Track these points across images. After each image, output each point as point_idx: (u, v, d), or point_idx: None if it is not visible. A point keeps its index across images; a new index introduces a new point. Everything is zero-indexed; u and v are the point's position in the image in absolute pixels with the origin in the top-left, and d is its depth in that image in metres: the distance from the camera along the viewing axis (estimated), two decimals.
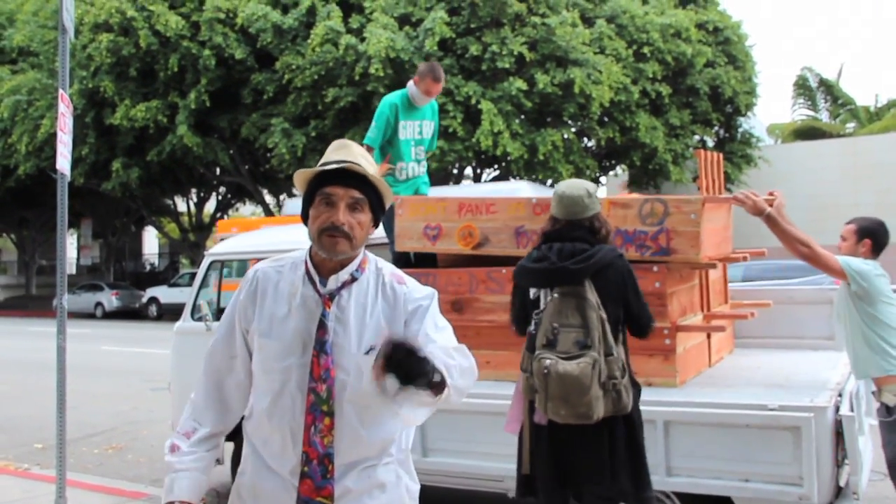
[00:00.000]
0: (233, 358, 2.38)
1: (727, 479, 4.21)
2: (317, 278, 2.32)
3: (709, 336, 5.35)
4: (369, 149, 6.06)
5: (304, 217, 2.33)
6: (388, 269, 2.42)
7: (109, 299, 31.72)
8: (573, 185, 3.80)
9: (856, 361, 4.63)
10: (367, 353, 2.25)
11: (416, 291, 2.39)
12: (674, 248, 4.66)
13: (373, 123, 6.08)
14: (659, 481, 4.37)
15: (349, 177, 2.26)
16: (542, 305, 3.64)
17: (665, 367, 4.66)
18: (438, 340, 2.25)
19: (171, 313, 26.32)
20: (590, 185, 3.80)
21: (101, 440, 8.61)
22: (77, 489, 6.05)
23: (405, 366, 1.96)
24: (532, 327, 3.66)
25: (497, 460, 4.85)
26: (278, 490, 2.27)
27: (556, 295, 3.58)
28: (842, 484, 4.22)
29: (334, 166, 2.25)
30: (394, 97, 6.09)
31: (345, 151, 2.32)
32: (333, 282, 2.31)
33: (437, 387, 2.06)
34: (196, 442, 2.35)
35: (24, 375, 13.38)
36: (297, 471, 2.25)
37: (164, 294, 30.07)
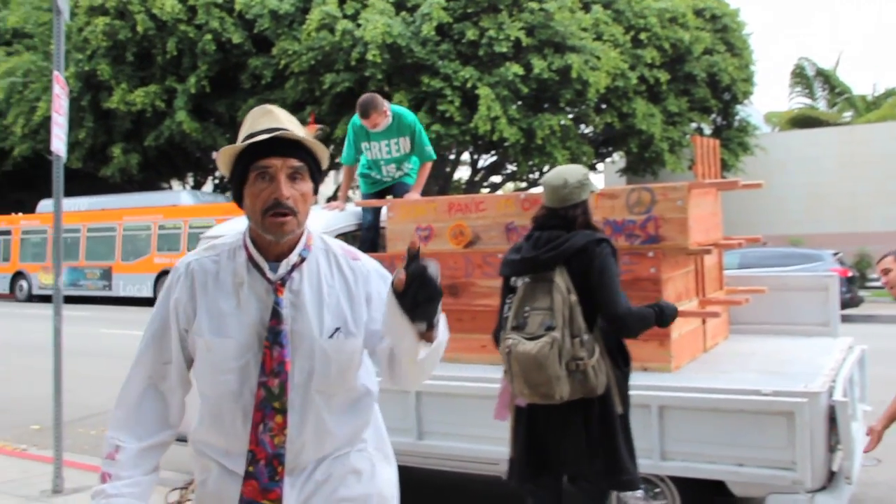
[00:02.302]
0: (166, 364, 2.15)
1: (721, 463, 4.23)
2: (263, 264, 2.10)
3: (704, 322, 5.37)
4: (348, 168, 6.48)
5: (238, 199, 2.10)
6: (336, 244, 2.24)
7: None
8: (557, 174, 3.79)
9: None
10: (332, 336, 2.09)
11: (375, 268, 2.23)
12: (662, 235, 4.70)
13: (348, 145, 6.27)
14: (653, 465, 4.41)
15: (283, 145, 2.02)
16: (517, 291, 3.69)
17: (660, 352, 4.68)
18: None
19: None
20: (574, 175, 3.75)
21: (97, 422, 8.62)
22: (74, 469, 6.06)
23: (424, 285, 1.83)
24: (506, 311, 3.70)
25: (492, 443, 4.86)
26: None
27: (527, 279, 3.64)
28: (834, 469, 4.25)
29: (265, 136, 2.00)
30: (355, 118, 6.13)
31: (270, 118, 2.08)
32: (283, 267, 2.09)
33: (429, 332, 1.92)
34: (127, 463, 2.09)
35: (19, 357, 13.37)
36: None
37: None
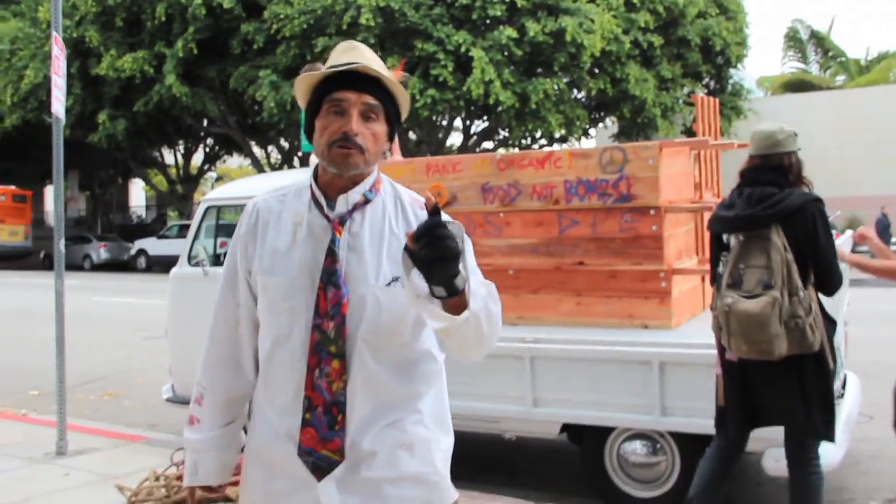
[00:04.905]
0: (238, 306, 2.08)
1: None
2: (323, 201, 2.00)
3: (703, 280, 5.40)
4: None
5: (309, 131, 2.02)
6: (406, 192, 2.10)
7: (98, 251, 31.68)
8: (769, 123, 3.89)
9: None
10: (389, 284, 1.95)
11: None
12: (634, 193, 4.73)
13: (302, 134, 6.16)
14: (653, 421, 4.48)
15: (362, 80, 1.94)
16: (731, 248, 3.78)
17: (660, 309, 4.72)
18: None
19: (159, 265, 26.32)
20: (786, 127, 3.83)
21: (96, 387, 8.67)
22: (77, 433, 6.10)
23: (434, 241, 1.67)
24: (720, 268, 3.80)
25: (492, 401, 4.94)
26: (290, 458, 1.96)
27: (741, 237, 3.72)
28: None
29: (344, 68, 1.92)
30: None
31: (354, 53, 1.97)
32: (343, 203, 1.98)
33: (458, 299, 1.74)
34: (213, 415, 2.10)
35: (10, 325, 13.37)
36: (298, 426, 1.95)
37: (153, 246, 30.00)
